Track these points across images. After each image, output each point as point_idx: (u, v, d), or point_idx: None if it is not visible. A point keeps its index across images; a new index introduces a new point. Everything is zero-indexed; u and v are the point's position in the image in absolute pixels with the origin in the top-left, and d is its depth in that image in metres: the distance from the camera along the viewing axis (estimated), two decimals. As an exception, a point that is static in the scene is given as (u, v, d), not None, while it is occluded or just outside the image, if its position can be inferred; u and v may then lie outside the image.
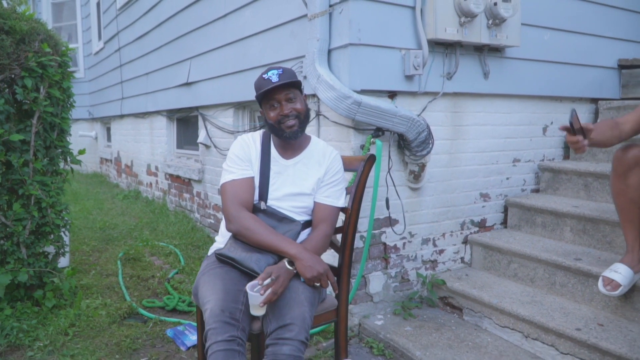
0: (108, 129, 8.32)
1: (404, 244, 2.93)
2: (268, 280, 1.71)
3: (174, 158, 5.54)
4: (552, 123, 3.53)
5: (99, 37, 8.19)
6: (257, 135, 2.11)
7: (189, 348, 2.63)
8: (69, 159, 3.07)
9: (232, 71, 3.85)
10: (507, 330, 2.57)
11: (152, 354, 2.59)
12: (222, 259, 1.94)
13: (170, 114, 5.46)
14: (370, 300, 2.84)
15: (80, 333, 2.76)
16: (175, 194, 5.46)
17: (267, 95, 1.97)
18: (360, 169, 2.14)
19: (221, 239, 2.11)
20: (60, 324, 2.78)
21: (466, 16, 2.79)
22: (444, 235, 3.09)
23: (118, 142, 7.71)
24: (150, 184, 6.32)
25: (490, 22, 2.90)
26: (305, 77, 2.94)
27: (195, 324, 2.84)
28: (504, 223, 3.34)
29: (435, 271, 3.08)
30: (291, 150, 2.08)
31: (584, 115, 3.72)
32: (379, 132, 2.70)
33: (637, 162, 2.19)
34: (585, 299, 2.55)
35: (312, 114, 2.94)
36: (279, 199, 2.02)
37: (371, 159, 2.16)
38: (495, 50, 3.10)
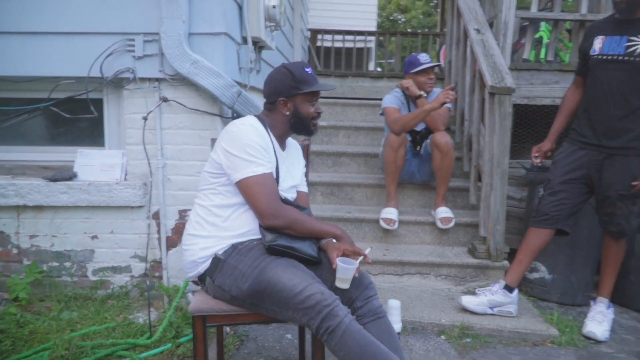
0: None
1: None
2: (369, 250, 1.92)
3: None
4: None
5: None
6: (257, 122, 2.01)
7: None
8: None
9: None
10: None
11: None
12: (279, 249, 1.87)
13: None
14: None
15: None
16: None
17: (316, 92, 2.02)
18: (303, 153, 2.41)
19: (223, 234, 1.93)
20: None
21: (270, 21, 3.24)
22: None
23: None
24: None
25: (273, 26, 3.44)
26: (139, 58, 2.65)
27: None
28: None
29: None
30: (283, 142, 2.12)
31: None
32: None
33: (402, 142, 3.39)
34: (359, 238, 3.62)
35: (157, 100, 2.69)
36: (284, 190, 2.04)
37: (308, 144, 2.46)
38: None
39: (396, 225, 3.46)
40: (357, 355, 1.69)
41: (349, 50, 8.02)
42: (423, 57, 3.48)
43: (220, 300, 1.91)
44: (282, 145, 2.10)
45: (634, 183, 2.61)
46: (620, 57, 2.61)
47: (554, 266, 3.26)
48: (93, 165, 2.76)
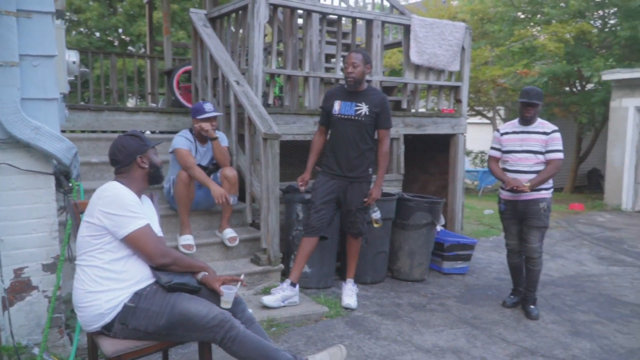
0: None
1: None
2: (243, 275, 2.61)
3: None
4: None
5: None
6: (122, 185, 2.41)
7: None
8: None
9: None
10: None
11: None
12: (175, 287, 2.39)
13: None
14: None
15: None
16: None
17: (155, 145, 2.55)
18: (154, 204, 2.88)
19: (122, 285, 2.33)
20: None
21: (70, 75, 3.41)
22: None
23: None
24: None
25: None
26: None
27: None
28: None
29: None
30: (140, 198, 2.54)
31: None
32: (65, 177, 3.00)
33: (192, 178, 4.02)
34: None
35: (-15, 164, 2.67)
36: None
37: (156, 194, 2.92)
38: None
39: (194, 250, 4.09)
40: (255, 351, 2.41)
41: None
42: (208, 106, 4.15)
43: (131, 340, 2.32)
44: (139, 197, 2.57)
45: (365, 200, 3.97)
46: (352, 117, 3.92)
47: (312, 262, 4.43)
48: None
